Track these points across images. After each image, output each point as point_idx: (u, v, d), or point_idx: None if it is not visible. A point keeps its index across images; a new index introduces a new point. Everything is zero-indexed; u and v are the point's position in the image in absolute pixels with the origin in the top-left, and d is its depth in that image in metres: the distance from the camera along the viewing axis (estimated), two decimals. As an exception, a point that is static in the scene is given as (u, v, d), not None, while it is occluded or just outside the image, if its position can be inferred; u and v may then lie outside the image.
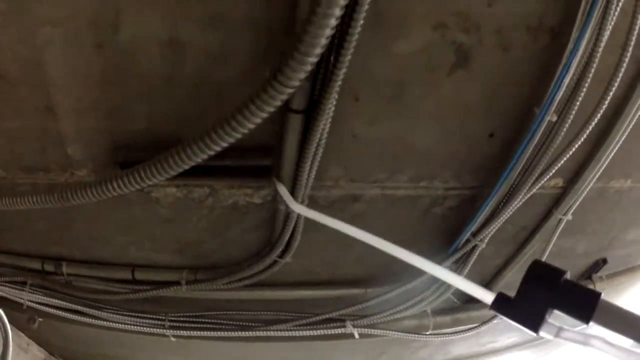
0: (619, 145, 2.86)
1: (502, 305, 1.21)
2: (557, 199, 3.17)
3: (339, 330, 3.51)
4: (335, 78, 1.70)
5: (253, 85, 1.67)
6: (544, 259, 3.66)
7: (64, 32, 1.79)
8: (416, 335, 4.03)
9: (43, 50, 1.84)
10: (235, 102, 1.66)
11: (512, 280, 3.93)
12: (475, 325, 4.19)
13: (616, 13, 2.03)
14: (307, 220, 2.55)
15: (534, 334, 1.17)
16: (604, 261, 4.77)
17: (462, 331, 4.23)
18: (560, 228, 3.44)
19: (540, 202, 3.27)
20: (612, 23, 2.05)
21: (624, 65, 2.13)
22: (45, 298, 3.24)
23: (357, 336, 3.52)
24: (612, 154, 2.91)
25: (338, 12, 1.40)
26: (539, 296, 1.16)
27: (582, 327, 1.19)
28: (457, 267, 3.34)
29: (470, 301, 4.29)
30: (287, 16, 1.69)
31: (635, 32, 2.08)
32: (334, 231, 2.70)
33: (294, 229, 2.53)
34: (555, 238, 3.51)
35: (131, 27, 1.75)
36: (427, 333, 4.07)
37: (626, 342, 1.17)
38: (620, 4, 2.05)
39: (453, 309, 4.16)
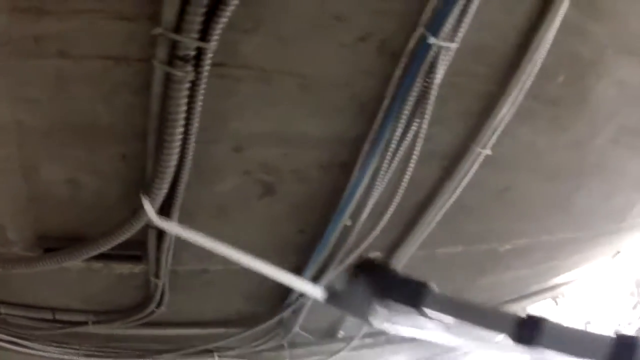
0: (434, 223, 3.52)
1: (334, 298, 1.26)
2: (381, 265, 3.98)
3: None
4: (174, 210, 2.59)
5: (127, 207, 2.58)
6: None
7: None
8: None
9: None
10: (117, 217, 2.61)
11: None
12: (325, 357, 4.90)
13: (399, 150, 2.76)
14: (173, 282, 3.32)
15: (365, 322, 1.19)
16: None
17: None
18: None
19: (365, 267, 4.05)
20: (397, 155, 2.78)
21: (406, 179, 2.93)
22: (-14, 331, 3.82)
23: None
24: (428, 231, 3.56)
25: (167, 185, 2.30)
26: (369, 288, 1.21)
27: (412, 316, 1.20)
28: (294, 316, 4.07)
29: (323, 337, 4.92)
30: (142, 172, 2.47)
31: (415, 156, 2.82)
32: (197, 291, 3.56)
33: (162, 291, 3.30)
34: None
35: (46, 171, 2.50)
36: None
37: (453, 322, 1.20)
38: (403, 144, 2.74)
39: (307, 343, 4.79)
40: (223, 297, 3.85)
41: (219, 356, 4.30)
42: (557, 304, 7.56)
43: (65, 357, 4.06)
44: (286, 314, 4.00)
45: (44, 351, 4.01)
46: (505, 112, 2.96)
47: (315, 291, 1.25)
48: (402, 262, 3.78)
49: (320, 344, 4.99)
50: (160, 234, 2.75)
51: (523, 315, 1.20)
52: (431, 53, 2.38)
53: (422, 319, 1.21)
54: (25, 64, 2.08)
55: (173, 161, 2.23)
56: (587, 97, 3.52)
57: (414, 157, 2.80)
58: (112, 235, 2.69)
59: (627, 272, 8.17)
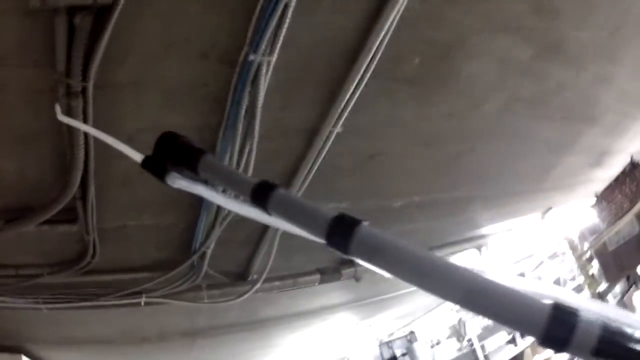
0: (305, 185, 4.21)
1: (147, 164, 1.38)
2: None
3: (138, 300, 5.18)
4: (90, 184, 3.69)
5: (61, 185, 3.64)
6: (273, 252, 5.36)
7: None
8: (193, 303, 5.59)
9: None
10: (54, 192, 3.65)
11: (264, 263, 5.62)
12: (236, 297, 5.79)
13: (249, 132, 3.41)
14: (101, 237, 4.26)
15: (163, 183, 1.33)
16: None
17: (228, 300, 5.76)
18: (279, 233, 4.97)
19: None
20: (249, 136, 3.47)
21: (254, 153, 3.58)
22: (-35, 288, 4.66)
23: (142, 304, 5.19)
24: (302, 191, 4.24)
25: (81, 164, 3.42)
26: (166, 154, 1.32)
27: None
28: (201, 261, 5.00)
29: (237, 279, 5.88)
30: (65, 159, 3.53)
31: (256, 136, 3.45)
32: (121, 243, 4.63)
33: (94, 244, 4.32)
34: (277, 239, 5.12)
35: (1, 165, 3.48)
36: (204, 301, 5.61)
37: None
38: (251, 127, 3.31)
39: (222, 285, 5.76)
40: (142, 247, 4.84)
41: (146, 296, 5.25)
42: (480, 254, 8.03)
43: (30, 305, 4.90)
44: (194, 259, 4.99)
45: (12, 302, 4.84)
46: (349, 96, 3.39)
47: (136, 155, 1.50)
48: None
49: (234, 286, 5.91)
50: (84, 202, 3.82)
51: (257, 180, 1.20)
52: (254, 65, 2.89)
53: (202, 182, 1.33)
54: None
55: (82, 153, 3.28)
56: (456, 75, 3.88)
57: (256, 136, 3.41)
58: (52, 205, 3.75)
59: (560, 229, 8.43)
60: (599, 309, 0.77)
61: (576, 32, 3.93)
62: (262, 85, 3.02)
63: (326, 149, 3.90)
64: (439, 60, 3.67)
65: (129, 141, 3.39)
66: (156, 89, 3.15)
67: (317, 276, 6.60)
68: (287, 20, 2.68)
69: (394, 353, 12.34)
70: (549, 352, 10.93)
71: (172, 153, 1.32)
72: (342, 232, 0.94)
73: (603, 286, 7.27)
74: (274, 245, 5.32)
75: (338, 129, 3.70)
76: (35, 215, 3.86)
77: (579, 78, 4.58)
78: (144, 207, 4.26)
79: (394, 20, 2.97)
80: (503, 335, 11.83)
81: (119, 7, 2.34)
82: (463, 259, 8.08)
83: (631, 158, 5.87)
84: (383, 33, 3.02)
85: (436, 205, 6.04)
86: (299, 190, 4.29)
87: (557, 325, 0.69)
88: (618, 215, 6.51)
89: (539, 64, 4.12)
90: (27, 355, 7.02)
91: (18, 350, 6.85)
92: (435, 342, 12.08)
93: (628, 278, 7.35)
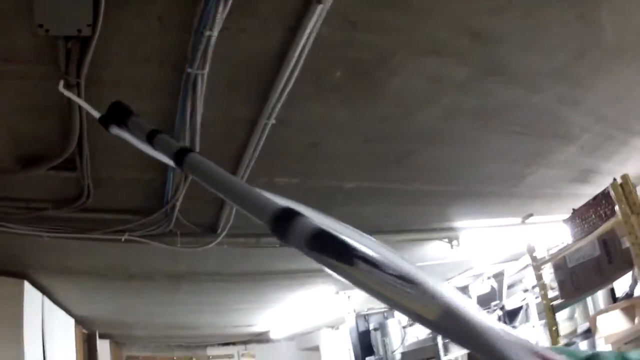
0: (252, 162, 4.96)
1: (101, 120, 1.61)
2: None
3: (120, 237, 6.29)
4: (84, 157, 5.15)
5: (63, 143, 5.09)
6: (234, 210, 6.22)
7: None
8: (168, 246, 6.47)
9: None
10: (59, 147, 5.09)
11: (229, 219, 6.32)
12: (203, 246, 6.66)
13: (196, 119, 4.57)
14: (95, 184, 5.38)
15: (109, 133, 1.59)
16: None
17: (198, 247, 6.71)
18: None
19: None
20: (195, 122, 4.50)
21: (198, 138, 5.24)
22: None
23: (123, 240, 6.09)
24: (250, 167, 5.03)
25: (75, 143, 4.88)
26: (112, 114, 1.59)
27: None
28: (173, 212, 5.89)
29: (207, 230, 6.80)
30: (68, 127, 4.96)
31: (199, 122, 5.03)
32: (111, 190, 5.85)
33: (88, 188, 5.47)
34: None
35: (20, 127, 4.72)
36: (177, 246, 6.51)
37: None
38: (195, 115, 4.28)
39: (194, 234, 6.80)
40: (128, 195, 5.80)
41: (129, 235, 6.15)
42: (451, 246, 8.22)
43: (35, 233, 5.82)
44: (167, 208, 6.11)
45: (21, 230, 5.72)
46: (277, 97, 4.03)
47: (95, 114, 1.65)
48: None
49: (203, 236, 6.79)
50: (81, 156, 5.06)
51: (150, 128, 1.43)
52: (192, 75, 3.64)
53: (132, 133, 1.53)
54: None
55: (77, 121, 4.56)
56: (382, 87, 4.29)
57: (198, 123, 4.25)
58: (57, 157, 4.96)
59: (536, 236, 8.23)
60: (322, 219, 0.93)
61: (521, 57, 4.17)
62: (199, 88, 3.82)
63: (264, 136, 4.60)
64: (360, 75, 4.09)
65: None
66: (129, 86, 4.02)
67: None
68: (212, 45, 3.39)
69: (368, 326, 12.57)
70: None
71: (115, 113, 1.61)
72: (180, 155, 1.27)
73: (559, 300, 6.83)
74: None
75: (272, 121, 4.36)
76: (44, 163, 5.02)
77: (534, 98, 4.80)
78: (128, 165, 5.17)
79: (305, 45, 3.52)
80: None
81: (96, 37, 3.58)
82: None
83: (614, 180, 5.64)
84: (297, 55, 3.62)
85: (389, 194, 6.48)
86: (247, 167, 5.06)
87: (282, 219, 0.89)
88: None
89: (478, 83, 4.40)
90: (29, 281, 7.81)
91: (22, 276, 7.68)
92: (409, 322, 11.89)
93: (614, 297, 7.10)
